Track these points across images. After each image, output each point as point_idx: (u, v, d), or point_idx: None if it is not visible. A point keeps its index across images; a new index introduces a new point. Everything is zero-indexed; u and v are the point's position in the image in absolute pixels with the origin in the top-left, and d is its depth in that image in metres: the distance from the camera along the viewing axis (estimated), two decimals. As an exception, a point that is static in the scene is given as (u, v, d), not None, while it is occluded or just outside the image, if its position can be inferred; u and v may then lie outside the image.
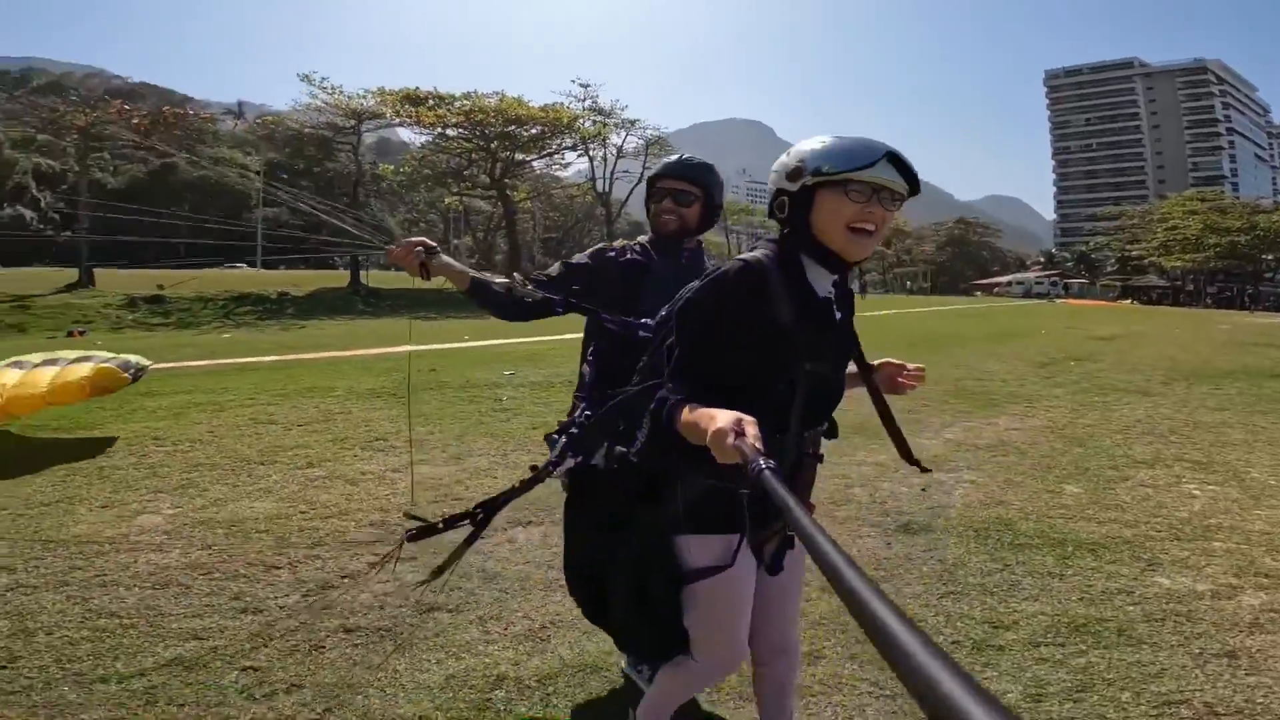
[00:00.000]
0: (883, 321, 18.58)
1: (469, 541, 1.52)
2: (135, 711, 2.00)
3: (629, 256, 2.06)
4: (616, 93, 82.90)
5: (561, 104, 38.26)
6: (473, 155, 38.46)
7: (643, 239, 2.13)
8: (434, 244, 1.94)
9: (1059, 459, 5.02)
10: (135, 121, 29.84)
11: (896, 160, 1.25)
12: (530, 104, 36.67)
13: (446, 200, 48.85)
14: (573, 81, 41.11)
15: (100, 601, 2.63)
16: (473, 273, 1.96)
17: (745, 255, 1.36)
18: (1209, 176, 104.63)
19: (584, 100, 39.63)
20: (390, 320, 21.96)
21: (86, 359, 5.43)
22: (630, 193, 45.91)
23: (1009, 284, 75.38)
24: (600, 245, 2.16)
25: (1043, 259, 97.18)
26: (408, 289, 31.38)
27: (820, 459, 1.48)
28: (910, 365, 1.62)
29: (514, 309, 1.96)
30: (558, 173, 52.21)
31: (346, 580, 2.80)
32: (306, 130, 36.31)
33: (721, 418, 1.07)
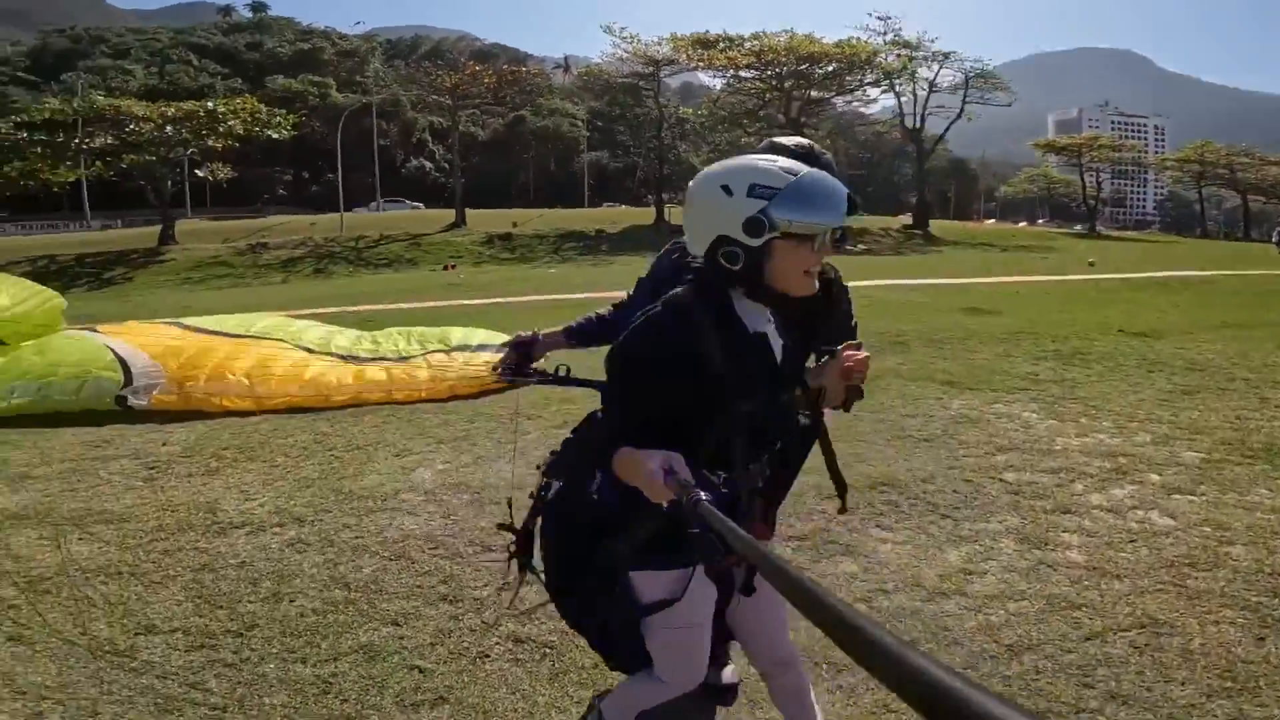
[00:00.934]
0: None
1: (522, 568, 1.61)
2: (307, 701, 2.02)
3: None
4: (927, 23, 73.28)
5: (858, 39, 35.85)
6: (766, 95, 38.07)
7: None
8: (526, 338, 1.96)
9: None
10: (486, 81, 35.91)
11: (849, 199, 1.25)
12: (823, 40, 35.17)
13: (743, 141, 49.42)
14: (869, 15, 37.48)
15: (344, 569, 2.70)
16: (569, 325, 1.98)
17: (668, 297, 1.32)
18: None
19: (884, 34, 36.70)
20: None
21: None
22: (947, 129, 41.11)
23: None
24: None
25: None
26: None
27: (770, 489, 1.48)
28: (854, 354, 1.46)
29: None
30: (861, 109, 49.16)
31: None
32: (616, 80, 39.41)
33: (651, 459, 1.12)
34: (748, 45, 35.39)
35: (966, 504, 3.21)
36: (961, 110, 39.64)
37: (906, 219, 41.39)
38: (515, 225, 30.45)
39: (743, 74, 37.03)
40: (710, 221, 1.25)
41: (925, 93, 39.46)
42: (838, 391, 1.46)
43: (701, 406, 1.28)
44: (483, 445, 4.05)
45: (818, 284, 1.30)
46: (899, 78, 38.18)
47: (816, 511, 3.05)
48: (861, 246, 29.40)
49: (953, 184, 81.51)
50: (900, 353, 6.22)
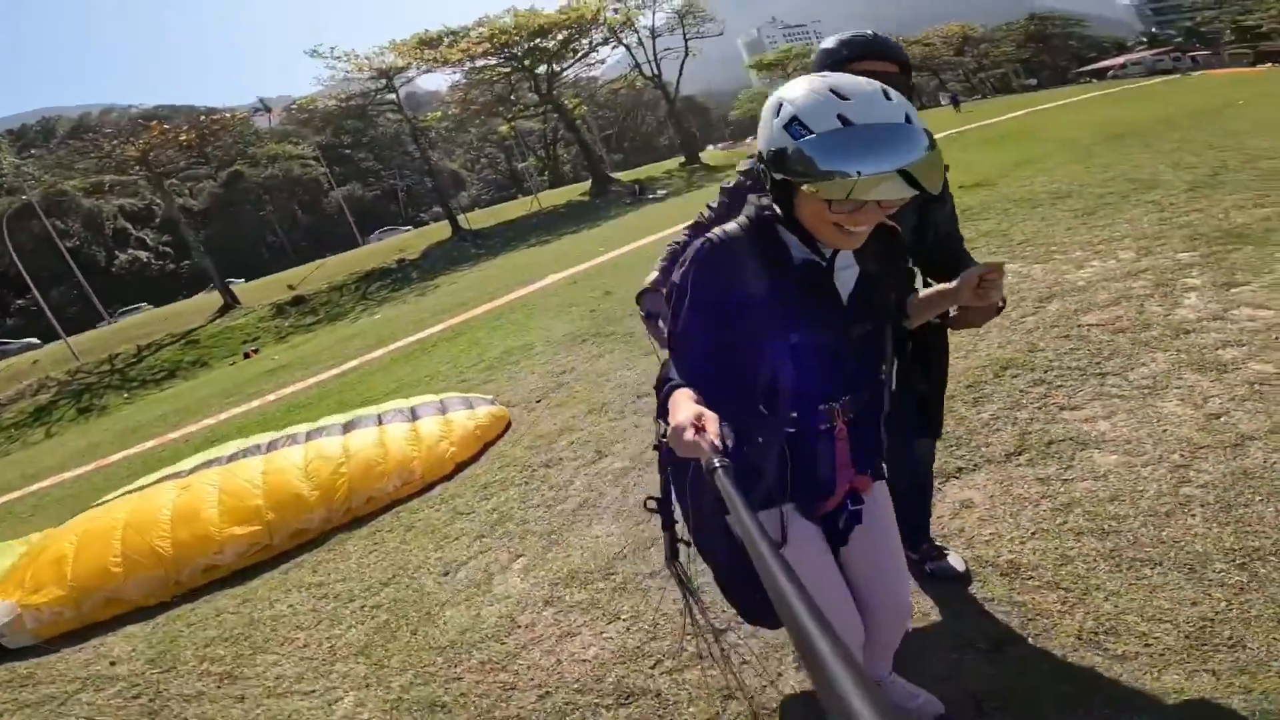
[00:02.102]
0: (1027, 125, 16.38)
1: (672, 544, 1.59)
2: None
3: None
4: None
5: (579, 1, 36.07)
6: (511, 79, 37.19)
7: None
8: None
9: None
10: (182, 139, 29.89)
11: (907, 174, 1.05)
12: (545, 11, 35.05)
13: (501, 129, 47.89)
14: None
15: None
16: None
17: (715, 231, 1.27)
18: None
19: (598, -10, 37.13)
20: (509, 256, 22.00)
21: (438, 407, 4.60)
22: (681, 68, 43.21)
23: (1124, 65, 66.72)
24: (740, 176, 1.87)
25: (1145, 39, 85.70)
26: (507, 223, 31.50)
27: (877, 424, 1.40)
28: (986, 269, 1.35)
29: None
30: (594, 72, 50.03)
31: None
32: (341, 104, 35.76)
33: (682, 412, 1.06)
34: (474, 34, 33.93)
35: (1101, 359, 3.22)
36: (686, 48, 41.80)
37: (673, 162, 43.17)
38: (293, 287, 26.57)
39: (479, 63, 35.56)
40: (761, 131, 1.19)
41: (650, 39, 40.94)
42: (977, 313, 1.46)
43: (751, 339, 1.24)
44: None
45: (862, 240, 1.21)
46: (623, 31, 39.17)
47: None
48: (663, 192, 30.12)
49: (692, 120, 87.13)
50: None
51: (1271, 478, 2.15)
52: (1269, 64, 52.60)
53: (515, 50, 34.78)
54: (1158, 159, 7.29)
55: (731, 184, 1.88)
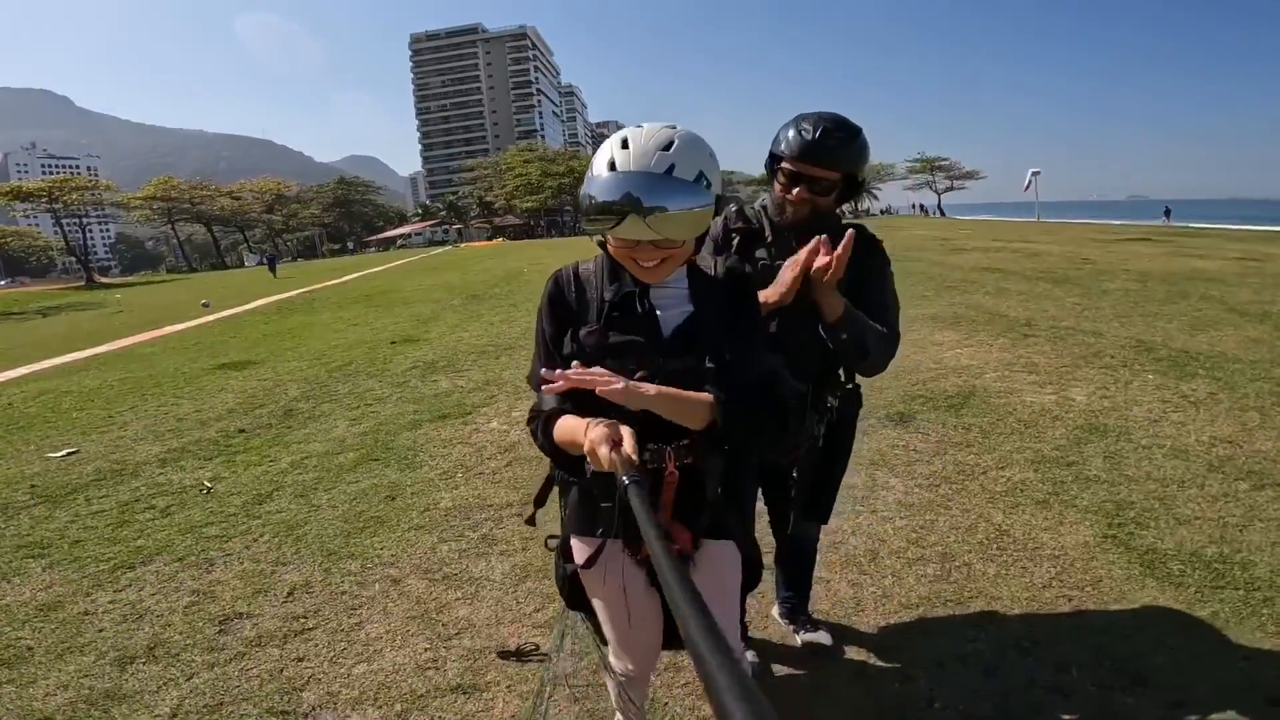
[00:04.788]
0: (382, 287, 16.52)
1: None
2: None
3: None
4: None
5: None
6: None
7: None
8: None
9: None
10: None
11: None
12: None
13: None
14: None
15: None
16: None
17: (562, 268, 1.42)
18: (527, 131, 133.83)
19: None
20: None
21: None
22: None
23: (409, 236, 79.86)
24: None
25: (420, 210, 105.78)
26: None
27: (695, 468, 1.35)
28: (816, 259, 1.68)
29: None
30: None
31: None
32: None
33: (596, 429, 1.10)
34: None
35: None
36: None
37: None
38: None
39: None
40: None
41: None
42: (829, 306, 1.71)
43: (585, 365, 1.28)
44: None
45: (658, 275, 1.31)
46: None
47: None
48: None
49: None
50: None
51: None
52: (501, 238, 72.39)
53: None
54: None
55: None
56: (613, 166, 1.21)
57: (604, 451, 1.05)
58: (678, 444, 1.31)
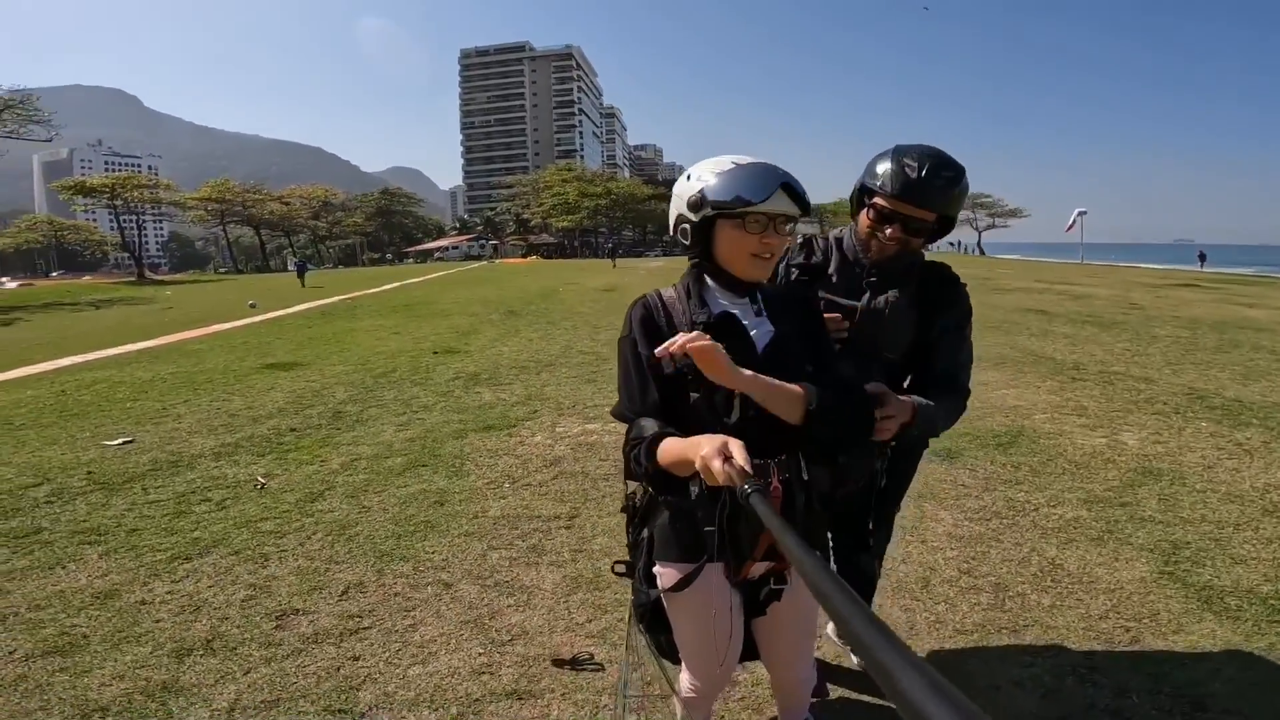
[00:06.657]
0: (421, 298, 16.98)
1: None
2: None
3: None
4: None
5: None
6: None
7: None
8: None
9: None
10: None
11: (789, 188, 1.30)
12: None
13: None
14: None
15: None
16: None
17: (649, 293, 1.44)
18: (567, 150, 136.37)
19: None
20: None
21: None
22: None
23: (448, 249, 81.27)
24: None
25: (458, 225, 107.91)
26: None
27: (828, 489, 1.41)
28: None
29: None
30: None
31: None
32: None
33: (705, 445, 1.10)
34: None
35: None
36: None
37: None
38: None
39: None
40: (674, 203, 1.38)
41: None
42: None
43: (677, 392, 1.32)
44: None
45: (768, 270, 1.36)
46: None
47: None
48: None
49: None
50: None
51: None
52: (535, 256, 73.15)
53: None
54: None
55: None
56: (739, 162, 1.31)
57: (718, 465, 1.05)
58: (780, 459, 1.33)
